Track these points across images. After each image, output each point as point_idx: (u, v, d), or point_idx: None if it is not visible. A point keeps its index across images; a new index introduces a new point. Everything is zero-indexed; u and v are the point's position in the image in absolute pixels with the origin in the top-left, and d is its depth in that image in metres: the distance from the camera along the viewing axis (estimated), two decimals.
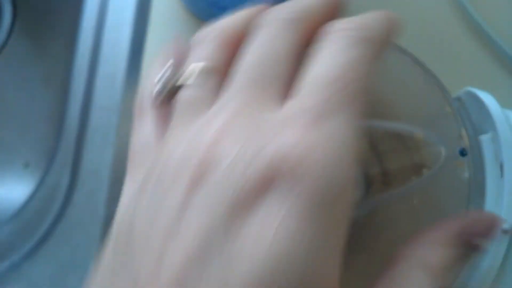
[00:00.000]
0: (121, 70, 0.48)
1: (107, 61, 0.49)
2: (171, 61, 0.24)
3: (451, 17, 0.47)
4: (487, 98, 0.28)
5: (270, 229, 0.17)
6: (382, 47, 0.21)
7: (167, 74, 0.24)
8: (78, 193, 0.46)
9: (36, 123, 0.55)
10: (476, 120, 0.29)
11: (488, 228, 0.24)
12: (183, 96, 0.22)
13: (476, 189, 0.27)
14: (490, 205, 0.27)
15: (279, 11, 0.22)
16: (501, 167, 0.27)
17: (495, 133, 0.27)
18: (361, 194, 0.28)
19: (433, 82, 0.29)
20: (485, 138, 0.28)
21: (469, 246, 0.23)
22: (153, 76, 0.24)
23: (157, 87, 0.23)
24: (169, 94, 0.23)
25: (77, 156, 0.47)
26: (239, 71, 0.21)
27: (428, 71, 0.29)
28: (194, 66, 0.23)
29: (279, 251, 0.16)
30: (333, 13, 0.24)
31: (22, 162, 0.54)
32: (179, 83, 0.23)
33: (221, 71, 0.22)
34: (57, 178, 0.47)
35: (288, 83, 0.21)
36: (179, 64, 0.24)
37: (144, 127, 0.24)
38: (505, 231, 0.26)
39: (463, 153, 0.27)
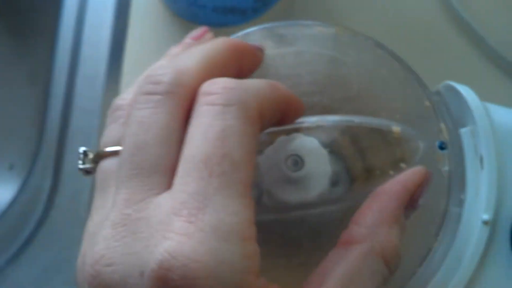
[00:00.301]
0: (102, 71, 0.48)
1: (87, 62, 0.48)
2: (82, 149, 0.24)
3: (434, 11, 0.47)
4: (466, 91, 0.29)
5: None
6: (259, 108, 0.21)
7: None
8: (60, 196, 0.46)
9: (20, 124, 0.54)
10: (456, 113, 0.29)
11: (427, 183, 0.24)
12: (98, 170, 0.23)
13: (456, 182, 0.28)
14: (471, 197, 0.27)
15: (153, 82, 0.21)
16: (481, 160, 0.27)
17: (475, 126, 0.28)
18: (345, 190, 0.28)
19: (411, 77, 0.29)
20: (464, 131, 0.28)
21: (412, 208, 0.24)
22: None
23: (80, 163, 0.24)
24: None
25: (59, 158, 0.47)
26: (122, 160, 0.21)
27: (406, 66, 0.29)
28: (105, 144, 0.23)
29: None
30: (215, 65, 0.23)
31: (6, 164, 0.54)
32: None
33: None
34: (39, 180, 0.46)
35: (171, 163, 0.20)
36: None
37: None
38: (485, 222, 0.26)
39: (442, 147, 0.27)
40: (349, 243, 0.22)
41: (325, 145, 0.27)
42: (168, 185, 0.20)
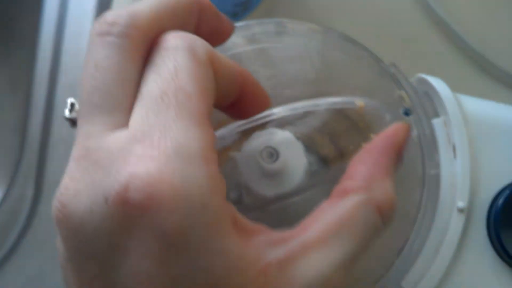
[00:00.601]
0: None
1: (68, 70, 0.48)
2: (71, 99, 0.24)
3: (410, 8, 0.48)
4: (438, 83, 0.29)
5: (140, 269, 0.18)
6: (209, 58, 0.21)
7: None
8: (43, 205, 0.45)
9: (2, 133, 0.54)
10: (429, 105, 0.30)
11: (409, 136, 0.24)
12: None
13: (431, 171, 0.28)
14: (445, 186, 0.27)
15: (108, 23, 0.21)
16: (454, 149, 0.27)
17: (447, 116, 0.28)
18: (322, 174, 0.28)
19: (365, 54, 0.29)
20: (437, 122, 0.28)
21: (399, 162, 0.24)
22: None
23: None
24: None
25: (41, 167, 0.46)
26: (81, 100, 0.21)
27: (358, 44, 0.29)
28: None
29: None
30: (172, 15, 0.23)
31: None
32: None
33: None
34: (21, 190, 0.46)
35: (129, 104, 0.20)
36: None
37: None
38: (461, 210, 0.27)
39: (407, 113, 0.28)
40: (343, 193, 0.22)
41: (297, 132, 0.27)
42: (127, 123, 0.20)
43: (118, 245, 0.18)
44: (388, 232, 0.28)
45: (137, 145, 0.18)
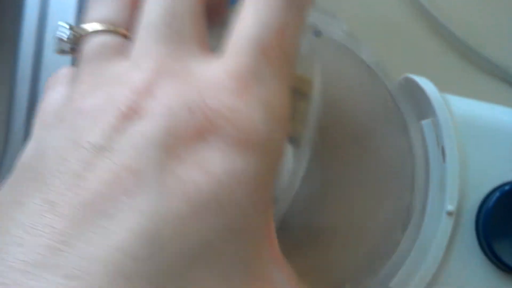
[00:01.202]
0: None
1: (51, 67, 0.48)
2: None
3: (399, 5, 0.47)
4: (425, 83, 0.29)
5: (206, 171, 0.16)
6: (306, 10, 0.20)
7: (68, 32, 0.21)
8: None
9: None
10: (417, 106, 0.29)
11: None
12: (90, 42, 0.20)
13: (419, 173, 0.28)
14: (435, 189, 0.27)
15: None
16: (443, 151, 0.27)
17: (435, 118, 0.28)
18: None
19: None
20: (426, 123, 0.28)
21: None
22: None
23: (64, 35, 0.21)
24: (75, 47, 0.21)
25: None
26: (151, 26, 0.19)
27: None
28: (97, 20, 0.21)
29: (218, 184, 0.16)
30: None
31: None
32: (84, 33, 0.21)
33: (125, 25, 0.21)
34: None
35: (202, 37, 0.19)
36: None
37: (57, 88, 0.22)
38: (450, 213, 0.26)
39: (317, 34, 0.28)
40: None
41: None
42: (205, 56, 0.19)
43: None
44: (379, 236, 0.27)
45: (230, 80, 0.17)
